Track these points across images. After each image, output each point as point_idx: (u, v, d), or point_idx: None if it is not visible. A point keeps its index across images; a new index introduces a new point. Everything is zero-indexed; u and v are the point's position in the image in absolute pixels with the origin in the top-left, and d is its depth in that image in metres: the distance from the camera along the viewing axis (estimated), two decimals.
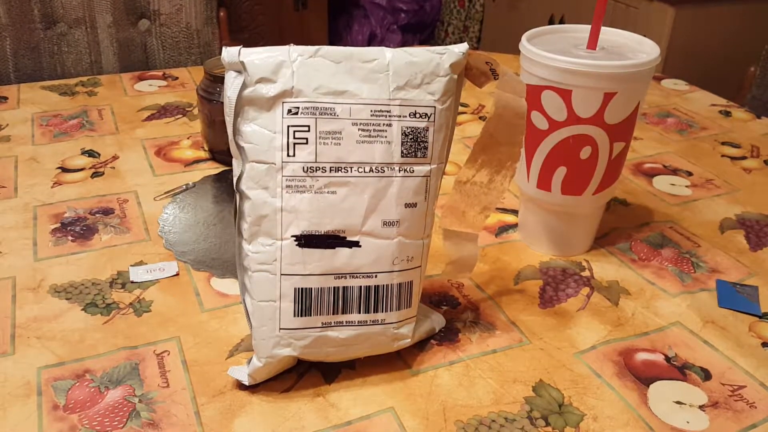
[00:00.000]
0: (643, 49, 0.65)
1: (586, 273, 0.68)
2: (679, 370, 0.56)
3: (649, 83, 0.64)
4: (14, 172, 0.81)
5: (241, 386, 0.53)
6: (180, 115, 0.97)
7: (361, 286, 0.50)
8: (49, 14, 1.33)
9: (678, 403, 0.53)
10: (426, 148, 0.50)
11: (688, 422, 0.52)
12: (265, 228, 0.49)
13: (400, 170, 0.50)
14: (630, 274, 0.68)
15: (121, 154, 0.86)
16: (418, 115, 0.50)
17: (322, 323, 0.51)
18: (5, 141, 0.88)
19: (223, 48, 0.48)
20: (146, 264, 0.66)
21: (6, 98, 1.00)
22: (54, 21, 1.34)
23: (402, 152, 0.49)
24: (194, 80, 1.10)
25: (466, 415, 0.51)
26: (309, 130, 0.48)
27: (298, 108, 0.48)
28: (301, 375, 0.54)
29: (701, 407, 0.53)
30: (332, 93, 0.48)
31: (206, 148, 0.86)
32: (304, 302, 0.50)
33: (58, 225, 0.72)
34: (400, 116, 0.49)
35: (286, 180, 0.48)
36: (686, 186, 0.85)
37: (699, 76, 1.45)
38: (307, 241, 0.49)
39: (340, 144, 0.48)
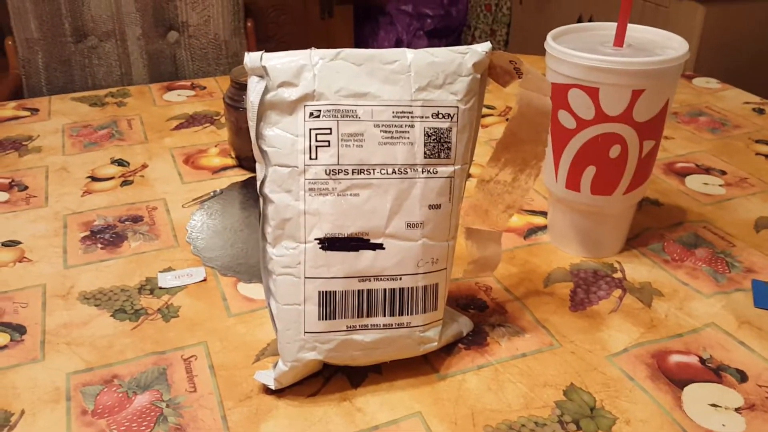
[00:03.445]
0: (671, 45, 0.64)
1: (618, 275, 0.67)
2: (714, 372, 0.55)
3: (678, 79, 0.62)
4: (45, 182, 0.82)
5: (267, 391, 0.53)
6: (208, 124, 0.98)
7: (385, 289, 0.50)
8: (79, 28, 1.35)
9: (713, 405, 0.52)
10: (449, 148, 0.50)
11: (724, 425, 0.50)
12: (289, 231, 0.49)
13: (423, 171, 0.49)
14: (663, 275, 0.67)
15: (150, 163, 0.87)
16: (440, 116, 0.49)
17: (347, 326, 0.50)
18: (36, 151, 0.89)
19: (246, 53, 0.48)
20: (174, 270, 0.67)
21: (37, 110, 1.02)
22: (84, 34, 1.36)
23: (425, 153, 0.49)
24: (221, 89, 1.11)
25: (496, 420, 0.50)
26: (331, 133, 0.48)
27: (320, 111, 0.48)
28: (327, 379, 0.54)
29: (737, 410, 0.51)
30: (354, 95, 0.48)
31: (233, 155, 0.87)
32: (329, 305, 0.49)
33: (88, 233, 0.72)
34: (422, 117, 0.49)
35: (309, 183, 0.48)
36: (720, 185, 0.83)
37: (731, 74, 1.42)
38: (330, 243, 0.49)
39: (362, 146, 0.48)
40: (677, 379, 0.54)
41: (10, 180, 0.83)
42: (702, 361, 0.56)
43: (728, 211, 0.78)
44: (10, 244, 0.71)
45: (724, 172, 0.86)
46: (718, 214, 0.77)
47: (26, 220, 0.75)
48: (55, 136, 0.93)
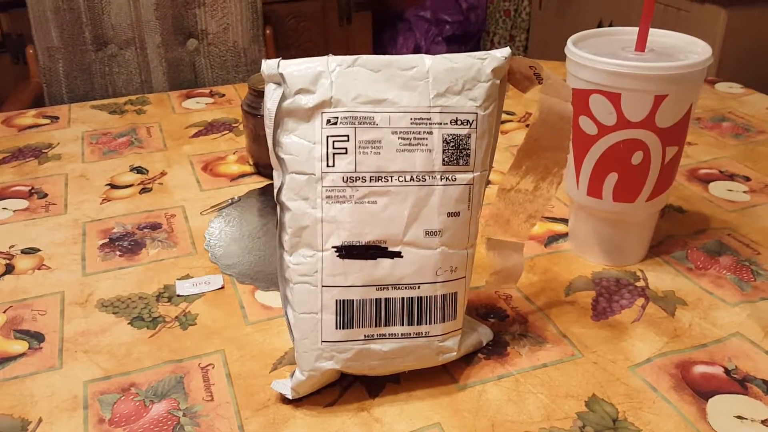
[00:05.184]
0: (694, 50, 0.62)
1: (641, 283, 0.66)
2: (740, 383, 0.54)
3: (701, 84, 0.61)
4: (64, 190, 0.83)
5: (284, 400, 0.52)
6: (226, 131, 0.98)
7: (403, 298, 0.49)
8: (99, 36, 1.36)
9: (739, 417, 0.51)
10: (468, 155, 0.49)
11: None
12: (306, 239, 0.49)
13: (441, 178, 0.49)
14: (687, 283, 0.65)
15: (168, 170, 0.87)
16: (459, 122, 0.49)
17: (365, 336, 0.50)
18: (56, 159, 0.90)
19: (263, 60, 0.48)
20: (192, 277, 0.66)
21: (57, 118, 1.03)
22: (105, 43, 1.37)
23: (443, 160, 0.48)
24: (240, 97, 1.11)
25: (516, 431, 0.50)
26: (348, 140, 0.47)
27: (337, 118, 0.47)
28: (344, 389, 0.53)
29: (764, 422, 0.50)
30: (371, 102, 0.48)
31: (251, 163, 0.87)
32: (346, 314, 0.49)
33: (107, 240, 0.73)
34: (441, 123, 0.48)
35: (326, 190, 0.48)
36: (744, 191, 0.81)
37: (755, 79, 1.40)
38: (347, 251, 0.48)
39: (380, 153, 0.48)
40: (702, 391, 0.53)
41: (29, 187, 0.83)
42: (727, 371, 0.55)
43: (753, 218, 0.76)
44: (30, 251, 0.71)
45: (748, 179, 0.84)
46: (742, 221, 0.76)
47: (45, 227, 0.75)
48: (74, 144, 0.94)
